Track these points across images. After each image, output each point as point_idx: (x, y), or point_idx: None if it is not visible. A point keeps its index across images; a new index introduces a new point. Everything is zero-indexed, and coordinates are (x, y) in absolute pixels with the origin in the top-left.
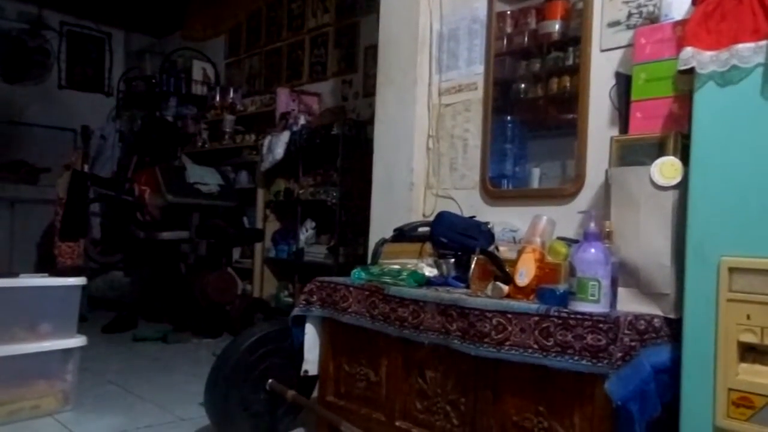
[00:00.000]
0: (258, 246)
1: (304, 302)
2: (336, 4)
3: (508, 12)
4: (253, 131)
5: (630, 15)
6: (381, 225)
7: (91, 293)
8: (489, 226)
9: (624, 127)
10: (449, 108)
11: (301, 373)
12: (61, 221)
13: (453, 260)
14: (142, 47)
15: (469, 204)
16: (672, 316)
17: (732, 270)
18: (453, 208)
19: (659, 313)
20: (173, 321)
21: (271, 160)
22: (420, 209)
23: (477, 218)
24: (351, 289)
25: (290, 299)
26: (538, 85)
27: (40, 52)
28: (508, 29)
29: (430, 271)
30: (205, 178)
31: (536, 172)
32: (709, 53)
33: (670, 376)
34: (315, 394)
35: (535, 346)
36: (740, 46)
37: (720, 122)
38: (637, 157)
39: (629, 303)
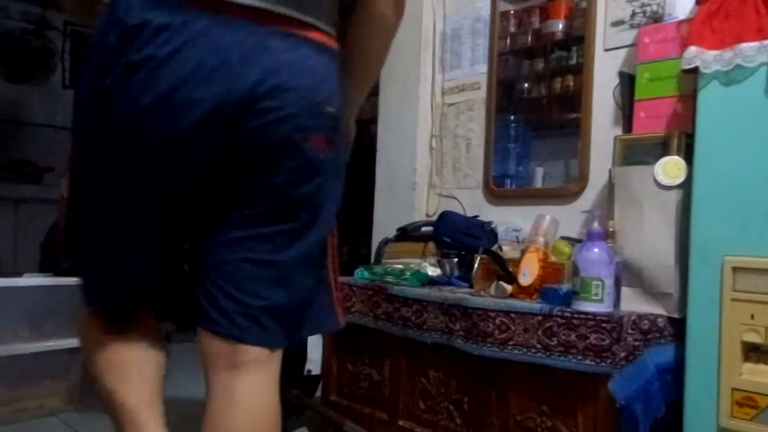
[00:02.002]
0: None
1: None
2: (339, 4)
3: (512, 11)
4: None
5: (633, 14)
6: (384, 225)
7: None
8: (492, 226)
9: (627, 127)
10: (452, 107)
11: (305, 373)
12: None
13: (456, 260)
14: None
15: (473, 203)
16: (676, 315)
17: (736, 269)
18: (456, 208)
19: (663, 312)
20: (176, 320)
21: None
22: (423, 209)
23: (480, 218)
24: (354, 288)
25: None
26: (541, 84)
27: (44, 52)
28: (512, 29)
29: (433, 271)
30: None
31: (539, 171)
32: (713, 52)
33: (674, 375)
34: (318, 393)
35: (539, 346)
36: (744, 45)
37: (724, 121)
38: (640, 156)
39: (633, 303)
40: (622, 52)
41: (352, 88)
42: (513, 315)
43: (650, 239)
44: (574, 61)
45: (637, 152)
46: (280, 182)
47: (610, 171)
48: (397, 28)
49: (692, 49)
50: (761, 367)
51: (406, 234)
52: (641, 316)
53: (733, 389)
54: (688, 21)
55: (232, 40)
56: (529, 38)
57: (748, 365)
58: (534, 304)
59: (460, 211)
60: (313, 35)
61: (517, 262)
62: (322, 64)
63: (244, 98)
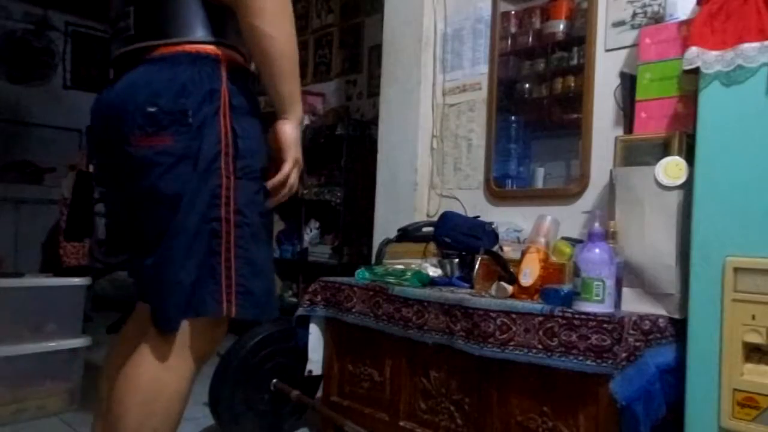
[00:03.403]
0: None
1: (308, 302)
2: (340, 5)
3: (513, 12)
4: None
5: (635, 15)
6: (385, 225)
7: (96, 293)
8: (493, 226)
9: (629, 127)
10: (453, 108)
11: (306, 373)
12: (66, 221)
13: (457, 260)
14: None
15: (473, 204)
16: (677, 316)
17: (737, 270)
18: (457, 208)
19: (664, 313)
20: None
21: None
22: (424, 209)
23: (481, 218)
24: (355, 289)
25: (294, 299)
26: (542, 85)
27: (45, 53)
28: (513, 29)
29: (434, 271)
30: None
31: (540, 172)
32: (714, 53)
33: (675, 376)
34: (319, 393)
35: (540, 347)
36: (745, 45)
37: (725, 122)
38: (641, 157)
39: (634, 303)
40: (623, 53)
41: (267, 86)
42: (514, 315)
43: (651, 240)
44: (575, 62)
45: (638, 153)
46: (129, 182)
47: (611, 171)
48: (274, 37)
49: (693, 50)
50: (762, 367)
51: (407, 234)
52: (642, 317)
53: (735, 390)
54: (689, 21)
55: (114, 87)
56: (530, 39)
57: (749, 366)
58: (535, 305)
59: (461, 211)
60: (152, 54)
61: (518, 262)
62: (149, 73)
63: (103, 125)
